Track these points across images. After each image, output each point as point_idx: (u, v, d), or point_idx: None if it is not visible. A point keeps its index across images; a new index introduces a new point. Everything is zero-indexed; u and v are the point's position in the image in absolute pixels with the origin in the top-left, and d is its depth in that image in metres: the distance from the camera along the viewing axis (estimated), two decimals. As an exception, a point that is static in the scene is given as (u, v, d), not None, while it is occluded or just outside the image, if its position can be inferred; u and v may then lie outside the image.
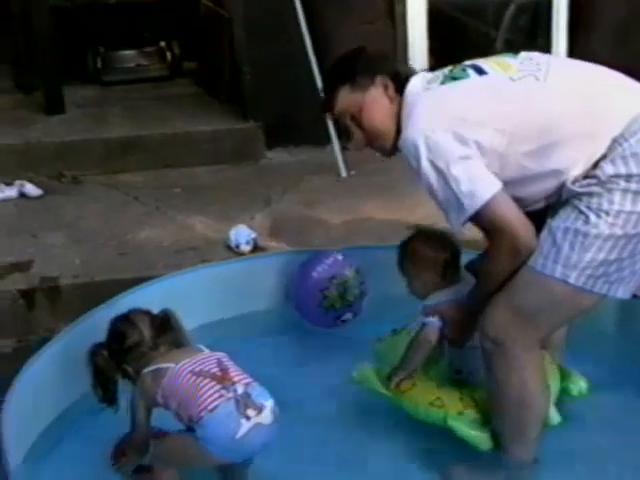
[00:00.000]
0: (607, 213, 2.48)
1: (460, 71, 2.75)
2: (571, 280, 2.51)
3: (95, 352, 2.77)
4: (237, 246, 4.29)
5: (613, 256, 2.49)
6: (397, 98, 2.85)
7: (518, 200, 2.60)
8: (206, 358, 2.64)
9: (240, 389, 2.54)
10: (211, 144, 5.63)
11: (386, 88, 2.87)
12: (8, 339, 4.07)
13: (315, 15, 5.50)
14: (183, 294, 3.64)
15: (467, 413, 2.91)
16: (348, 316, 3.69)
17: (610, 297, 2.58)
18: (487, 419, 2.88)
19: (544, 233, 2.58)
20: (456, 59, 2.92)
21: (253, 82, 5.64)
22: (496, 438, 2.85)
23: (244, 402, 2.51)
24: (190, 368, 2.58)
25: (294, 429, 2.86)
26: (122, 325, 2.77)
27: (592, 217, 2.48)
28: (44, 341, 3.82)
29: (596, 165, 2.52)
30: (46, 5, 5.69)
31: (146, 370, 2.65)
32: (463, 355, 3.02)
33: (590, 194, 2.50)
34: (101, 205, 5.06)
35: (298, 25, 5.44)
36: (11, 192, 5.14)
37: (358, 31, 5.58)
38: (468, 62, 2.81)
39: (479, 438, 2.86)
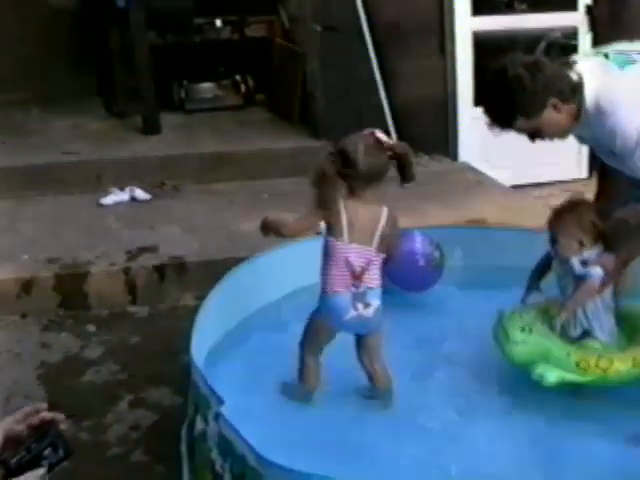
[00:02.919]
0: None
1: (625, 56, 3.32)
2: None
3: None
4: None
5: None
6: (569, 105, 3.26)
7: None
8: (364, 253, 3.39)
9: (362, 288, 3.38)
10: (289, 159, 6.54)
11: (555, 107, 3.25)
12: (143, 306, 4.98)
13: (381, 51, 6.45)
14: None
15: None
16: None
17: None
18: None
19: None
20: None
21: (325, 106, 6.58)
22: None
23: (359, 298, 3.38)
24: (347, 255, 3.37)
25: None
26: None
27: None
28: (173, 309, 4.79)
29: None
30: (146, 43, 6.65)
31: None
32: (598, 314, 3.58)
33: None
34: (203, 206, 5.96)
35: (366, 58, 6.38)
36: (124, 196, 6.06)
37: (416, 65, 6.56)
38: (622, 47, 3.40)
39: None
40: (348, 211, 3.37)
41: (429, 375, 3.77)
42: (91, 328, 4.73)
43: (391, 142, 3.41)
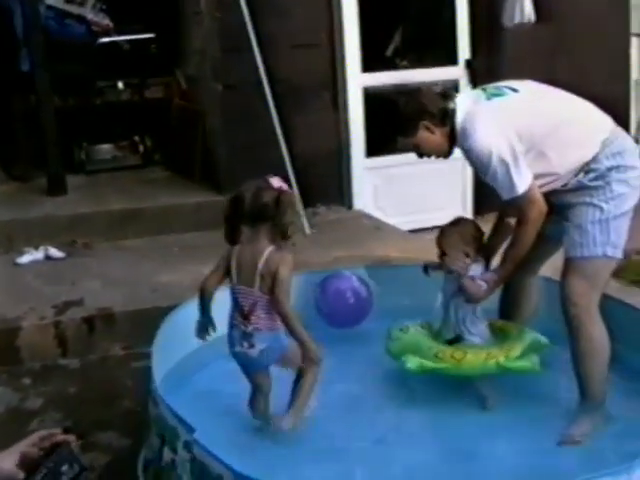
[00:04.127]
0: (612, 199, 3.73)
1: (496, 90, 3.91)
2: (608, 253, 3.74)
3: None
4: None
5: (624, 227, 3.76)
6: (443, 127, 3.90)
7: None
8: (248, 293, 3.60)
9: (249, 328, 3.62)
10: (194, 214, 6.79)
11: (428, 128, 3.91)
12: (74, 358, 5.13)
13: (280, 106, 6.80)
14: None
15: (510, 354, 3.90)
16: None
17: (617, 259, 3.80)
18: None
19: (573, 231, 3.76)
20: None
21: (227, 161, 6.87)
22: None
23: (246, 337, 3.64)
24: (236, 296, 3.65)
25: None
26: None
27: (604, 205, 3.72)
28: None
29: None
30: (52, 106, 6.82)
31: None
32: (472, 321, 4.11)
33: (596, 188, 3.73)
34: (117, 261, 6.14)
35: (266, 113, 6.71)
36: (39, 255, 6.19)
37: (310, 119, 6.94)
38: (499, 83, 3.99)
39: (533, 364, 3.87)
40: (237, 254, 3.66)
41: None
42: (26, 381, 4.85)
43: (282, 186, 3.64)
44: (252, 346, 3.63)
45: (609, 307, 3.94)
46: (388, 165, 7.30)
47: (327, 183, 7.25)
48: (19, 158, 7.42)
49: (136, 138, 7.85)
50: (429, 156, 4.06)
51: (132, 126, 7.83)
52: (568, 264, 3.83)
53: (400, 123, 3.98)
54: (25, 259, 6.09)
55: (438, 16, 7.77)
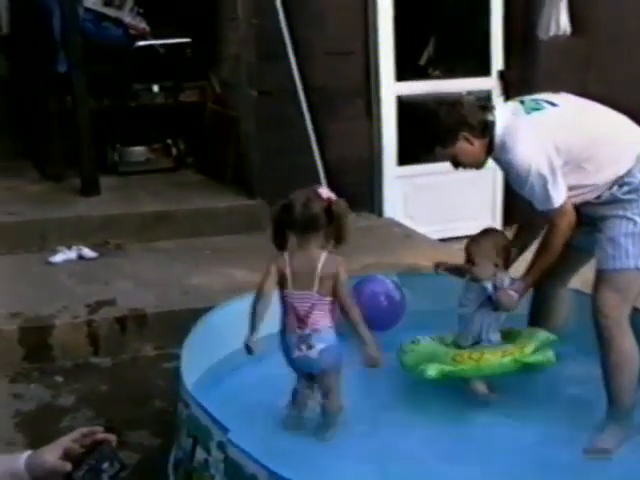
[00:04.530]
0: None
1: (535, 104, 3.94)
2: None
3: None
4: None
5: None
6: (482, 139, 3.94)
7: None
8: (306, 297, 3.70)
9: (307, 331, 3.70)
10: (226, 218, 6.84)
11: (467, 139, 3.94)
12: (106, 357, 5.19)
13: (313, 114, 6.85)
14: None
15: (525, 350, 3.99)
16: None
17: None
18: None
19: (606, 244, 3.79)
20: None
21: (260, 166, 6.92)
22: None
23: (303, 340, 3.70)
24: (292, 301, 3.74)
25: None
26: None
27: (638, 219, 3.76)
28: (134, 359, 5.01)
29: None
30: (88, 107, 6.89)
31: None
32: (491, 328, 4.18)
33: (629, 201, 3.77)
34: (150, 262, 6.19)
35: (300, 120, 6.77)
36: (72, 254, 6.25)
37: (345, 127, 6.99)
38: (537, 96, 4.03)
39: (548, 357, 3.98)
40: (290, 261, 3.73)
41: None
42: (59, 379, 4.90)
43: (331, 196, 3.72)
44: (311, 347, 3.72)
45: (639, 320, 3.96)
46: (419, 174, 7.36)
47: (358, 190, 7.24)
48: (53, 158, 7.48)
49: (169, 141, 7.90)
50: (465, 167, 4.10)
51: (165, 129, 7.88)
52: (600, 276, 3.85)
53: (439, 133, 4.00)
54: (58, 258, 6.15)
55: (472, 26, 7.84)
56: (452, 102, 4.10)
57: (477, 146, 3.97)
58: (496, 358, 4.01)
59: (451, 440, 3.87)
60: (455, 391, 4.15)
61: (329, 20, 6.88)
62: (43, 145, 7.58)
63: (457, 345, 4.23)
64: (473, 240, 4.23)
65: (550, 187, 3.77)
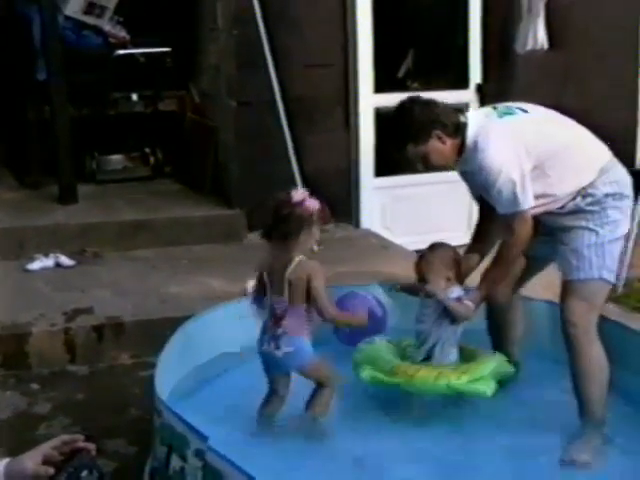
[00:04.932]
0: (607, 224, 3.85)
1: (507, 109, 4.02)
2: (604, 276, 3.85)
3: None
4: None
5: (617, 252, 3.87)
6: (453, 139, 3.99)
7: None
8: (280, 302, 3.81)
9: (279, 332, 3.81)
10: (203, 227, 6.86)
11: (440, 138, 3.98)
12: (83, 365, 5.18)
13: (292, 124, 6.89)
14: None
15: (462, 377, 3.99)
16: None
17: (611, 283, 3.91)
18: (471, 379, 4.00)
19: (570, 255, 3.87)
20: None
21: (238, 176, 6.94)
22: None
23: (274, 339, 3.82)
24: (272, 303, 3.84)
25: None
26: None
27: (600, 230, 3.84)
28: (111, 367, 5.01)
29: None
30: (67, 115, 6.90)
31: None
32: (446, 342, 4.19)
33: (592, 212, 3.84)
34: (127, 271, 6.21)
35: (278, 130, 6.81)
36: (49, 262, 6.25)
37: (322, 138, 7.03)
38: (509, 103, 4.12)
39: (482, 391, 3.96)
40: (268, 265, 3.85)
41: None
42: (35, 386, 4.90)
43: (301, 200, 3.78)
44: (278, 347, 3.81)
45: (608, 329, 4.03)
46: (396, 185, 7.37)
47: (336, 201, 7.21)
48: (32, 166, 7.49)
49: (147, 150, 7.92)
50: (434, 167, 4.15)
51: (144, 138, 7.91)
52: (566, 287, 3.94)
53: (412, 130, 4.01)
54: (35, 265, 6.15)
55: (450, 40, 7.87)
56: (426, 101, 4.12)
57: (449, 145, 4.02)
58: (430, 378, 3.99)
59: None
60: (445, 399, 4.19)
61: (309, 32, 6.89)
62: (21, 153, 7.57)
63: (410, 357, 4.25)
64: (422, 257, 4.28)
65: (518, 191, 3.83)
